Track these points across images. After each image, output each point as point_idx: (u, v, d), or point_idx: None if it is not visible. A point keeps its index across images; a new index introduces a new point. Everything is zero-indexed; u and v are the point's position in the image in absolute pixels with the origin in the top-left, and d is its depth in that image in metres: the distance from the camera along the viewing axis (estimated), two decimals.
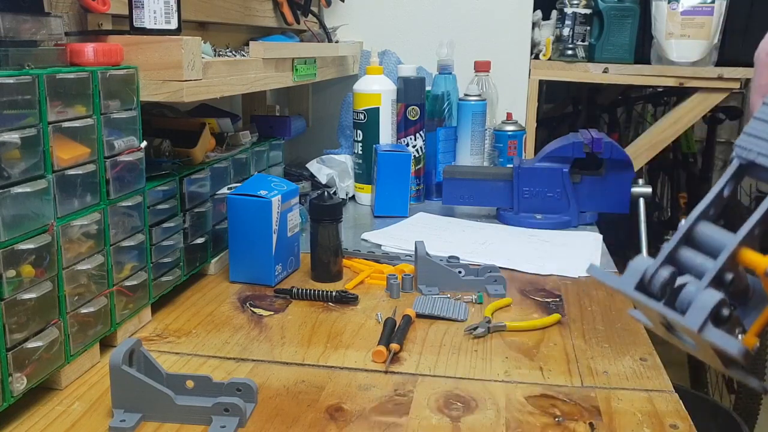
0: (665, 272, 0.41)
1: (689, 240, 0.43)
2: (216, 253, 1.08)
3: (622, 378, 0.75)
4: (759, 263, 0.40)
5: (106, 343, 0.79)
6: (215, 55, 1.09)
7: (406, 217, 1.39)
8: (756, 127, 0.43)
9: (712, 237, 0.43)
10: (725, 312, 0.40)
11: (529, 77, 1.70)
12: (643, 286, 0.42)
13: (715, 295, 0.39)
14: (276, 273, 1.01)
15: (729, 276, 0.41)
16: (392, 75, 1.58)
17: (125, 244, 0.81)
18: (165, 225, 0.91)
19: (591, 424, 0.66)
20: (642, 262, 0.42)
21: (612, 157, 1.31)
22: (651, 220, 2.45)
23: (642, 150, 1.71)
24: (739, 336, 0.41)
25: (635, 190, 1.35)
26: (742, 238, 0.41)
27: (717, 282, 0.41)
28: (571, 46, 1.66)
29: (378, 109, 1.46)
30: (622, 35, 1.63)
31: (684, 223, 0.43)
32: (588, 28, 1.66)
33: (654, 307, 0.41)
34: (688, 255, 0.43)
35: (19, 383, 0.64)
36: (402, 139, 1.50)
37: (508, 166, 1.50)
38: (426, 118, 1.51)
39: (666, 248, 0.42)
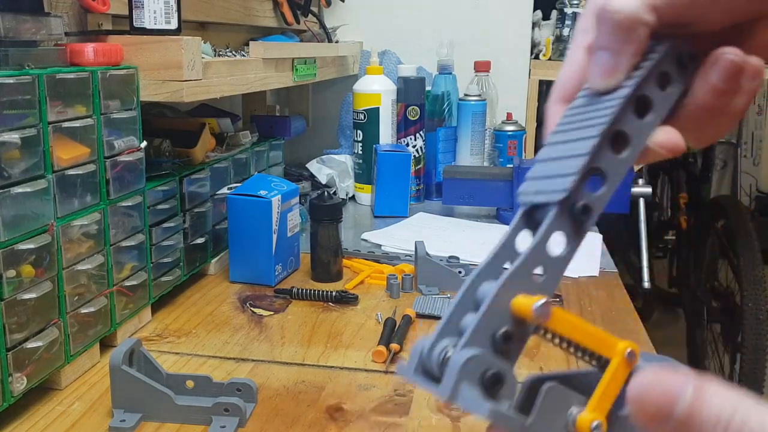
0: (441, 345, 0.34)
1: (475, 303, 0.35)
2: (216, 253, 1.08)
3: None
4: (526, 307, 0.33)
5: (106, 343, 0.79)
6: (215, 55, 1.10)
7: (406, 217, 1.39)
8: (534, 170, 0.38)
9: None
10: (491, 373, 0.32)
11: (529, 77, 1.70)
12: (424, 368, 0.34)
13: (466, 353, 0.32)
14: (276, 273, 1.01)
15: (503, 330, 0.33)
16: (392, 75, 1.58)
17: (125, 244, 0.81)
18: (165, 225, 0.91)
19: None
20: (420, 342, 0.34)
21: None
22: (651, 220, 2.45)
23: None
24: (575, 413, 0.33)
25: (635, 190, 1.35)
26: (504, 283, 0.34)
27: (486, 341, 0.33)
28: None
29: (378, 109, 1.46)
30: None
31: (462, 286, 0.36)
32: None
33: (424, 388, 0.34)
34: (471, 320, 0.35)
35: (19, 383, 0.64)
36: (402, 139, 1.50)
37: (508, 166, 1.51)
38: (426, 118, 1.51)
39: (443, 319, 0.35)
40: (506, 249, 0.36)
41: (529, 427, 0.32)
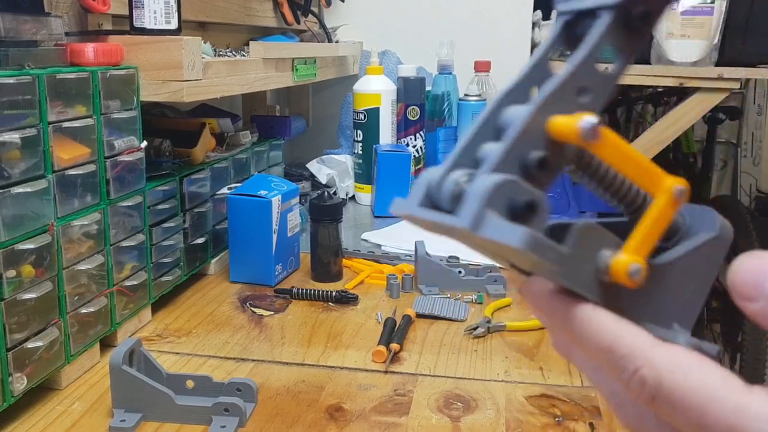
0: (454, 176, 0.28)
1: (496, 130, 0.30)
2: (216, 253, 1.08)
3: None
4: (569, 127, 0.27)
5: (106, 343, 0.79)
6: (215, 55, 1.10)
7: None
8: None
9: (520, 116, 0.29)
10: (524, 200, 0.26)
11: None
12: (432, 202, 0.29)
13: (495, 177, 0.26)
14: (276, 273, 1.01)
15: (537, 155, 0.27)
16: (392, 75, 1.58)
17: (125, 244, 0.81)
18: (165, 225, 0.91)
19: (591, 424, 0.66)
20: (426, 174, 0.29)
21: None
22: None
23: (642, 150, 1.71)
24: (607, 256, 0.28)
25: None
26: (544, 101, 0.28)
27: (514, 168, 0.27)
28: None
29: (378, 109, 1.46)
30: None
31: (483, 111, 0.30)
32: None
33: (432, 221, 0.28)
34: (492, 148, 0.29)
35: (20, 383, 0.64)
36: (402, 139, 1.50)
37: None
38: (426, 118, 1.51)
39: (457, 148, 0.29)
40: (538, 70, 0.30)
41: (565, 258, 0.27)
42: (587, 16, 0.29)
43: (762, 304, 0.25)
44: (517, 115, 0.28)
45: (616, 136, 0.27)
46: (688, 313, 0.31)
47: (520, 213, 0.26)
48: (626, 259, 0.27)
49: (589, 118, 0.26)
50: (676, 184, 0.28)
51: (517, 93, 0.30)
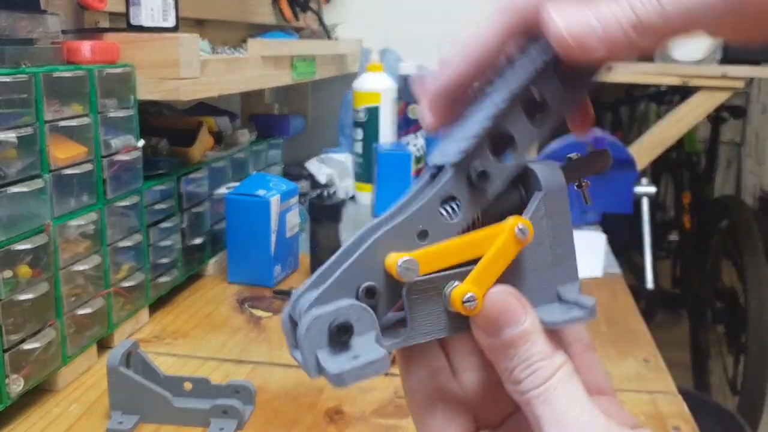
0: (308, 296, 0.31)
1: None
2: (214, 253, 1.07)
3: (625, 380, 0.75)
4: (392, 264, 0.29)
5: (103, 345, 0.79)
6: (213, 53, 1.09)
7: None
8: (451, 130, 0.35)
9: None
10: (336, 326, 0.29)
11: None
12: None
13: (304, 322, 0.29)
14: (275, 274, 1.00)
15: (365, 284, 0.30)
16: (393, 73, 1.57)
17: (122, 244, 0.80)
18: (162, 225, 0.90)
19: None
20: (293, 294, 0.32)
21: (615, 157, 1.30)
22: (654, 221, 2.44)
23: (646, 149, 1.69)
24: (451, 288, 0.30)
25: (639, 189, 1.34)
26: (382, 236, 0.30)
27: (349, 293, 0.30)
28: None
29: (378, 107, 1.45)
30: None
31: (352, 236, 0.33)
32: None
33: (300, 364, 0.30)
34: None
35: (16, 385, 0.63)
36: (403, 138, 1.49)
37: None
38: None
39: (322, 266, 0.33)
40: (406, 208, 0.32)
41: (407, 338, 0.30)
42: (442, 169, 0.32)
43: (493, 344, 0.29)
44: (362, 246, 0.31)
45: (434, 249, 0.30)
46: (565, 265, 0.32)
47: (342, 339, 0.29)
48: (462, 289, 0.30)
49: (404, 259, 0.29)
50: (517, 222, 0.30)
51: (384, 225, 0.31)
